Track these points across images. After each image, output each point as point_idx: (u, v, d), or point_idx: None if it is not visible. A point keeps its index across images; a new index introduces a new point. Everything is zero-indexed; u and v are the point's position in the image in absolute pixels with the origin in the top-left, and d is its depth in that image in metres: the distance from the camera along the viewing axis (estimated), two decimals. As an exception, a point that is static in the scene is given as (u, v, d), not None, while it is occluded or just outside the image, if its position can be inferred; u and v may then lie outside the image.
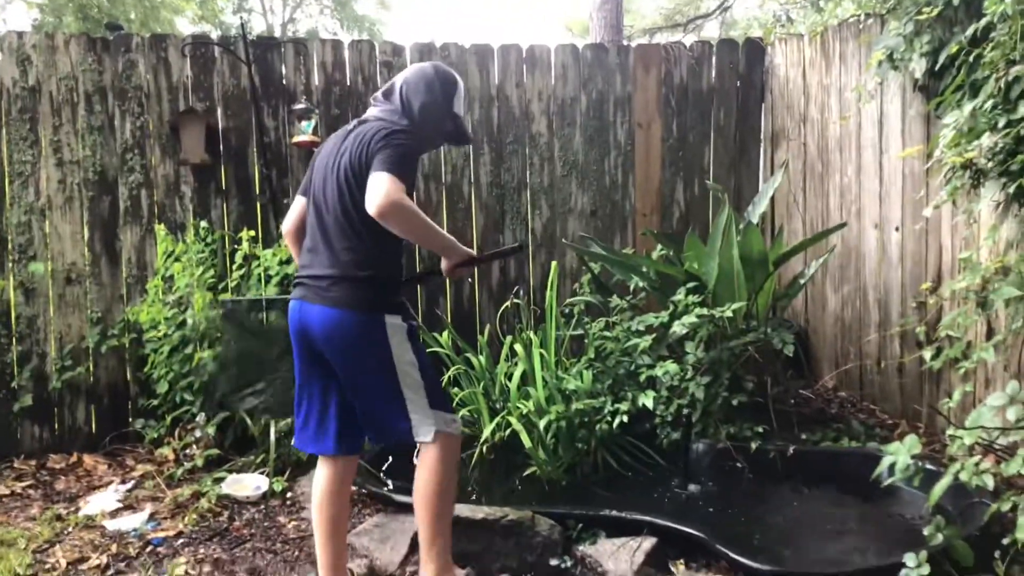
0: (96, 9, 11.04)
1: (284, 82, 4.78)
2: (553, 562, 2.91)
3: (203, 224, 4.56)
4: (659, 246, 4.39)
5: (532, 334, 3.99)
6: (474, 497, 3.51)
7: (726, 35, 12.45)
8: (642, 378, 3.75)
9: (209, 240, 4.53)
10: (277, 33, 19.53)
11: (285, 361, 3.57)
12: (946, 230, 3.66)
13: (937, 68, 3.37)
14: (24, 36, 4.47)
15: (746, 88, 5.19)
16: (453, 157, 4.96)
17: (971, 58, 2.89)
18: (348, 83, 4.84)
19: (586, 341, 4.08)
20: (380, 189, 2.34)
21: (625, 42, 8.89)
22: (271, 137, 4.75)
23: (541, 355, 3.85)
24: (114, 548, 3.24)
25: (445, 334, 4.19)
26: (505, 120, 5.00)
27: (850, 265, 4.46)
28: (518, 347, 3.89)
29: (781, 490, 3.46)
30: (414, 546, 3.07)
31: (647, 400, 3.60)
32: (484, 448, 3.78)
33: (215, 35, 7.22)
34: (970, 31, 2.94)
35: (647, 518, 3.02)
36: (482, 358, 4.07)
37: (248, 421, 4.07)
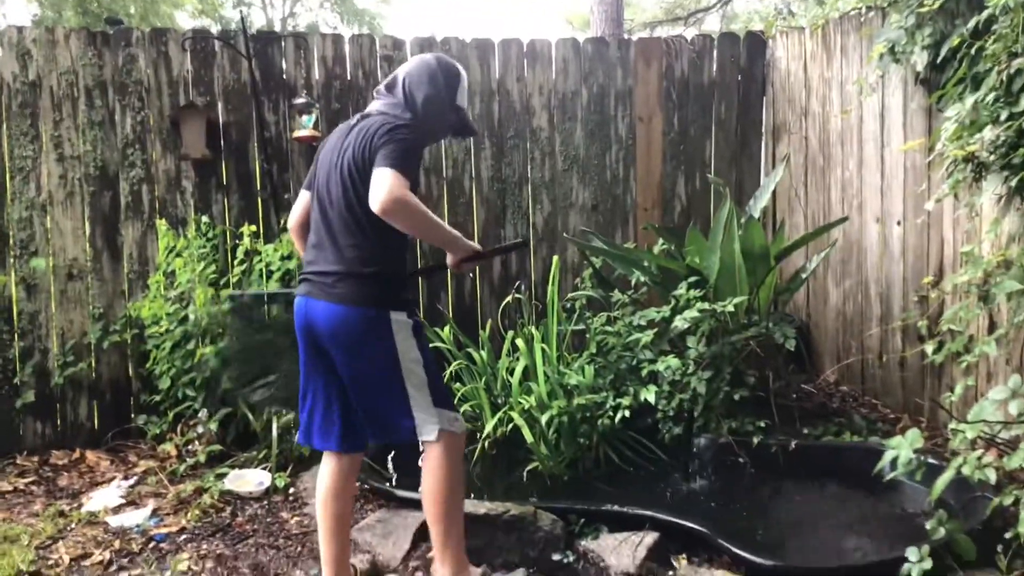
0: (96, 4, 11.04)
1: (284, 76, 4.77)
2: (555, 557, 2.92)
3: (204, 219, 4.55)
4: (660, 240, 4.38)
5: (534, 329, 3.99)
6: (475, 493, 3.51)
7: (727, 28, 12.42)
8: (644, 373, 3.75)
9: (210, 235, 4.52)
10: (277, 27, 19.49)
11: (294, 353, 3.57)
12: (948, 224, 3.65)
13: (939, 61, 3.36)
14: (24, 31, 4.46)
15: (747, 81, 5.18)
16: (454, 151, 4.95)
17: (973, 51, 2.89)
18: (349, 77, 4.83)
19: (588, 336, 4.08)
20: (384, 186, 2.33)
21: (626, 36, 8.87)
22: (272, 132, 4.74)
23: (543, 350, 3.85)
24: (117, 544, 3.25)
25: (447, 329, 4.19)
26: (506, 114, 4.99)
27: (852, 259, 4.46)
28: (520, 342, 3.89)
29: (783, 485, 3.46)
30: (416, 541, 3.08)
31: (649, 395, 3.60)
32: (486, 443, 3.78)
33: (215, 29, 7.20)
34: (972, 23, 2.93)
35: (649, 513, 3.02)
36: (484, 353, 4.07)
37: (250, 417, 4.08)
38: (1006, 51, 2.67)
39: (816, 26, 4.69)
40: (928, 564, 2.36)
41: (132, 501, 3.71)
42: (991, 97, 2.71)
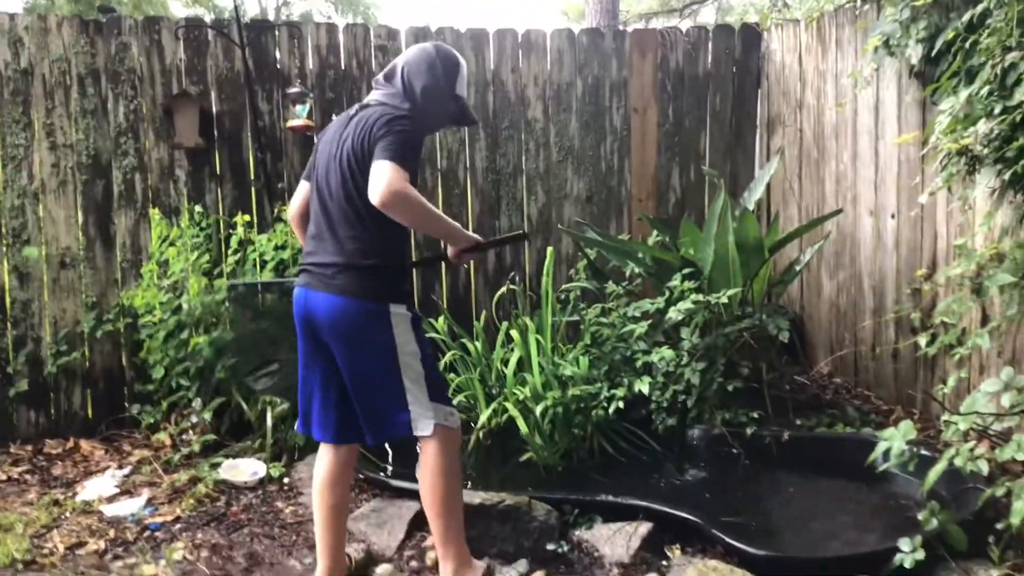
0: (88, -9, 10.93)
1: (278, 66, 4.75)
2: (550, 547, 2.93)
3: (198, 208, 4.53)
4: (655, 232, 4.38)
5: (528, 320, 4.00)
6: (470, 483, 3.52)
7: (722, 20, 12.42)
8: (638, 364, 3.76)
9: (204, 224, 4.50)
10: (271, 16, 19.38)
11: (296, 342, 3.56)
12: (941, 217, 3.67)
13: (933, 54, 3.37)
14: (16, 18, 4.43)
15: (742, 74, 5.18)
16: (448, 142, 4.95)
17: (967, 44, 2.89)
18: (343, 67, 4.82)
19: (582, 327, 4.08)
20: (383, 179, 2.33)
21: (621, 27, 8.85)
22: (265, 121, 4.73)
23: (537, 341, 3.86)
24: (112, 533, 3.24)
25: (441, 320, 4.19)
26: (501, 105, 4.98)
27: (845, 252, 4.47)
28: (514, 333, 3.89)
29: (776, 475, 3.48)
30: (411, 531, 3.09)
31: (643, 386, 3.61)
32: (480, 434, 3.79)
33: (208, 18, 7.17)
34: (966, 17, 2.94)
35: (643, 503, 3.03)
36: (478, 344, 4.07)
37: (245, 406, 4.08)
38: (1000, 45, 2.67)
39: (811, 19, 4.70)
40: (920, 554, 2.38)
41: (126, 490, 3.70)
42: (985, 91, 2.71)
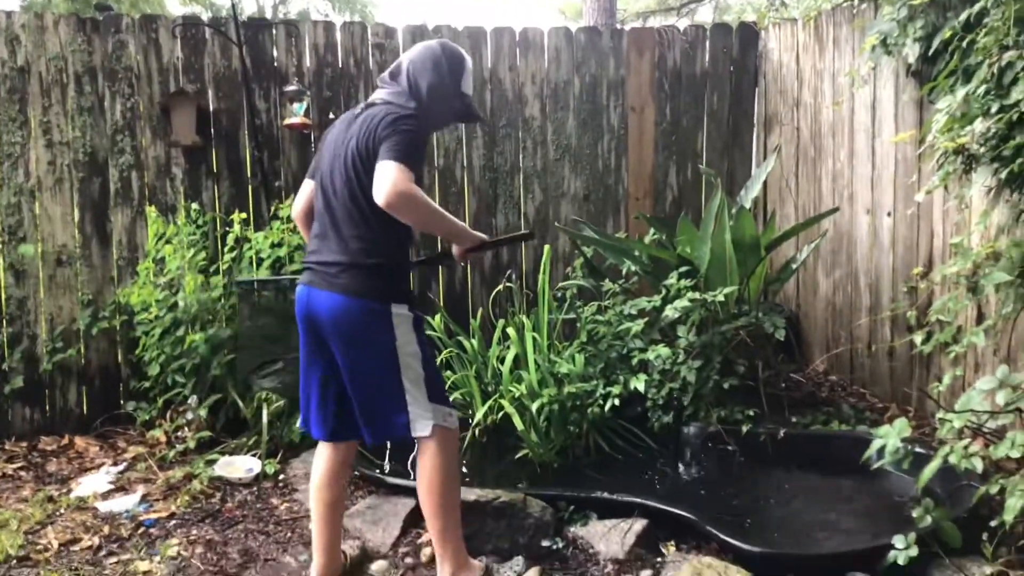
0: (85, -11, 10.92)
1: (276, 64, 4.75)
2: (545, 543, 2.93)
3: (194, 206, 4.53)
4: (652, 230, 4.39)
5: (524, 318, 4.00)
6: (467, 480, 3.51)
7: (720, 19, 12.42)
8: (634, 362, 3.76)
9: (200, 222, 4.50)
10: (268, 14, 19.34)
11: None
12: (937, 216, 3.67)
13: (930, 53, 3.37)
14: (13, 16, 4.42)
15: (739, 72, 5.19)
16: (446, 140, 4.95)
17: (964, 43, 2.89)
18: (340, 65, 4.82)
19: (578, 325, 4.09)
20: (388, 179, 2.31)
21: (618, 26, 8.85)
22: (262, 119, 4.73)
23: (533, 338, 3.86)
24: (106, 529, 3.24)
25: (437, 317, 4.19)
26: (498, 103, 4.98)
27: (842, 250, 4.48)
28: (510, 330, 3.89)
29: (772, 473, 3.48)
30: (406, 528, 3.09)
31: (639, 383, 3.61)
32: (476, 431, 3.79)
33: (206, 16, 7.16)
34: (963, 16, 2.94)
35: (638, 500, 3.04)
36: (474, 341, 4.07)
37: (240, 403, 4.08)
38: (997, 44, 2.68)
39: (809, 18, 4.70)
40: (914, 551, 2.38)
41: (121, 487, 3.70)
42: (982, 90, 2.71)
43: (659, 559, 2.82)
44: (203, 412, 4.06)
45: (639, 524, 2.91)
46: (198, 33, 4.65)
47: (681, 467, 3.63)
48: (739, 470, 3.52)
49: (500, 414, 3.75)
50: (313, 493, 2.68)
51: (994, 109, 2.66)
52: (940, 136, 2.91)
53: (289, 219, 4.43)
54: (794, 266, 4.24)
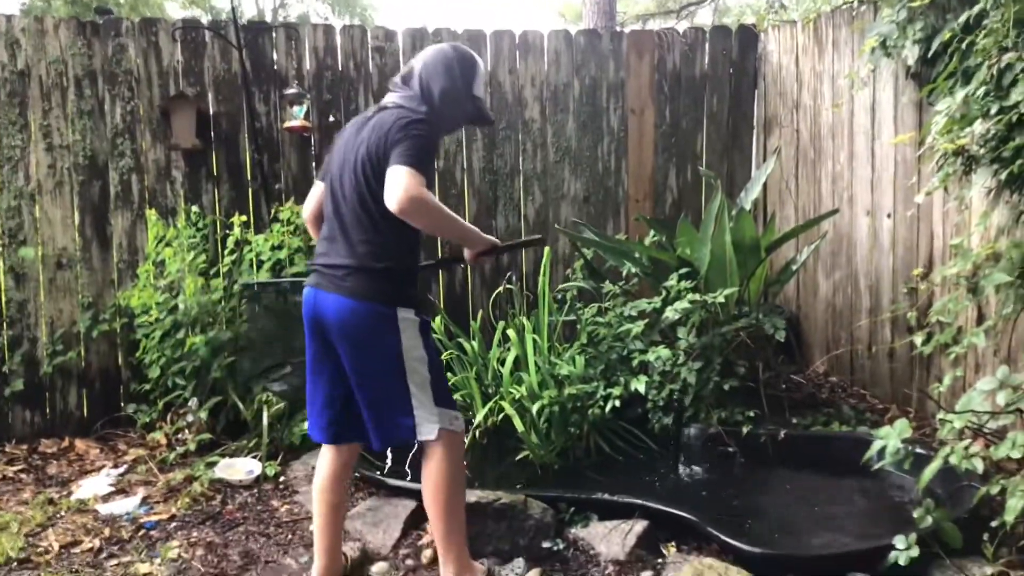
0: (85, -7, 10.93)
1: (275, 67, 4.76)
2: (545, 545, 2.93)
3: (194, 209, 4.53)
4: (652, 232, 4.39)
5: (525, 319, 4.00)
6: (467, 481, 3.51)
7: (719, 22, 12.43)
8: (634, 363, 3.76)
9: (200, 225, 4.50)
10: (268, 18, 19.38)
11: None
12: (937, 217, 3.67)
13: (930, 55, 3.37)
14: (13, 19, 4.43)
15: (739, 75, 5.19)
16: (446, 143, 4.95)
17: (964, 45, 2.89)
18: (340, 68, 4.82)
19: (579, 326, 4.09)
20: (400, 184, 2.31)
21: (618, 28, 8.87)
22: (262, 122, 4.73)
23: (534, 340, 3.86)
24: (107, 532, 3.24)
25: (438, 319, 4.19)
26: (498, 106, 4.99)
27: (841, 251, 4.48)
28: (511, 332, 3.89)
29: (772, 474, 3.48)
30: (406, 530, 3.09)
31: (639, 385, 3.61)
32: (477, 433, 3.78)
33: (205, 20, 7.18)
34: (963, 18, 2.95)
35: (639, 501, 3.03)
36: (475, 343, 4.07)
37: (240, 406, 4.08)
38: (996, 46, 2.68)
39: (808, 20, 4.71)
40: (915, 552, 2.38)
41: (122, 489, 3.70)
42: (981, 91, 2.72)
43: (660, 560, 2.82)
44: (203, 414, 4.06)
45: (640, 525, 2.91)
46: (198, 36, 4.65)
47: (682, 468, 3.64)
48: (740, 471, 3.53)
49: (500, 416, 3.75)
50: (316, 495, 2.69)
51: (993, 111, 2.67)
52: (940, 138, 2.91)
53: (289, 221, 4.44)
54: (794, 267, 4.24)
